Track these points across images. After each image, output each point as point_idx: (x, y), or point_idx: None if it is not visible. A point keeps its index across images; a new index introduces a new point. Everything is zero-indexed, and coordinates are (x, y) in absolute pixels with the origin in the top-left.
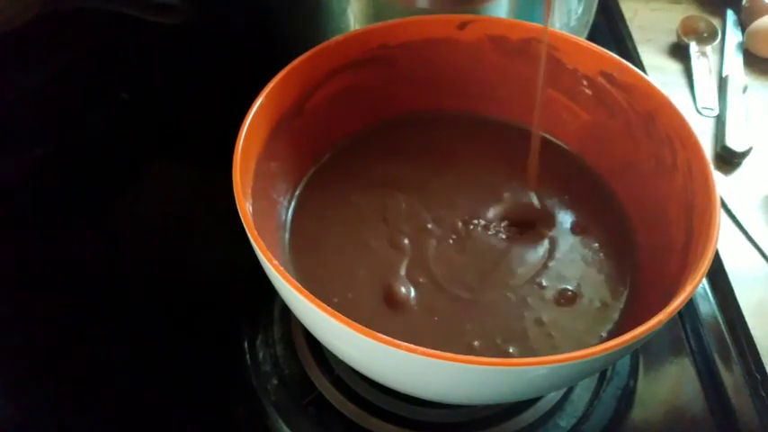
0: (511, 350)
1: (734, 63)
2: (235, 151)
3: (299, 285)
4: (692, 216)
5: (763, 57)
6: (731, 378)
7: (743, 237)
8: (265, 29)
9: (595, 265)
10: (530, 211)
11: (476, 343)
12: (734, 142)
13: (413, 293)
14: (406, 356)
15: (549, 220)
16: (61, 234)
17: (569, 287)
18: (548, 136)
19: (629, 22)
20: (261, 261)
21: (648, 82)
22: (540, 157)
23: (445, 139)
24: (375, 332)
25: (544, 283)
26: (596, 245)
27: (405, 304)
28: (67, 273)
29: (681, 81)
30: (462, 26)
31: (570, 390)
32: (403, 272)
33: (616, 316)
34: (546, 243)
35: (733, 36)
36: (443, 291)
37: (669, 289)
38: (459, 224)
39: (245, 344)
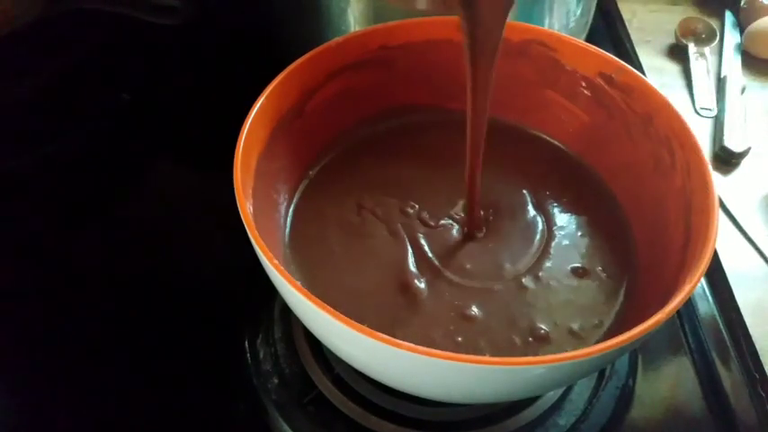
0: (515, 341)
1: (732, 64)
2: (236, 151)
3: (300, 285)
4: (690, 216)
5: (761, 57)
6: (730, 377)
7: (741, 237)
8: (265, 30)
9: (594, 264)
10: (525, 210)
11: (481, 339)
12: (732, 143)
13: (410, 292)
14: (405, 355)
15: (547, 220)
16: (61, 234)
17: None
18: (546, 137)
19: (627, 24)
20: (261, 261)
21: (647, 83)
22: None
23: (445, 139)
24: (375, 331)
25: (542, 283)
26: (595, 245)
27: (407, 301)
28: (68, 272)
29: (679, 82)
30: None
31: (569, 388)
32: (402, 271)
33: (613, 316)
34: (543, 243)
35: (731, 37)
36: (441, 290)
37: (668, 288)
38: (459, 224)
39: (246, 343)
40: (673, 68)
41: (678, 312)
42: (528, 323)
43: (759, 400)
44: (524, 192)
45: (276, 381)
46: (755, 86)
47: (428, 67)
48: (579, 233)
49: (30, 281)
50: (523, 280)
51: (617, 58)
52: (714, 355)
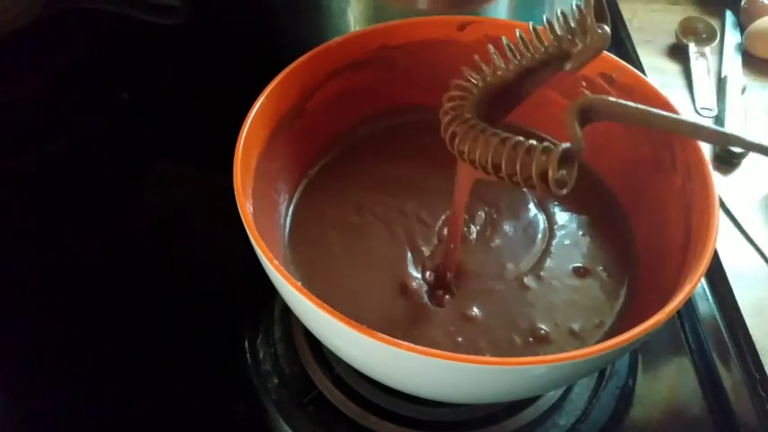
0: (515, 340)
1: (733, 64)
2: (235, 151)
3: (299, 285)
4: (690, 216)
5: (761, 57)
6: (730, 377)
7: (741, 237)
8: (266, 30)
9: (595, 264)
10: (527, 209)
11: (481, 340)
12: None
13: (410, 292)
14: (405, 355)
15: (548, 219)
16: (61, 234)
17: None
18: (547, 136)
19: (628, 24)
20: (261, 261)
21: (647, 83)
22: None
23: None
24: (374, 331)
25: (543, 282)
26: (596, 244)
27: (406, 301)
28: (68, 273)
29: (680, 82)
30: (462, 27)
31: (569, 388)
32: (403, 271)
33: (614, 316)
34: (544, 242)
35: (732, 37)
36: (439, 291)
37: (668, 289)
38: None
39: (246, 343)
40: (673, 68)
41: (678, 312)
42: (528, 323)
43: (759, 400)
44: (525, 190)
45: (276, 381)
46: (756, 86)
47: (428, 67)
48: (580, 232)
49: (30, 281)
50: (525, 279)
51: (617, 58)
52: (714, 355)
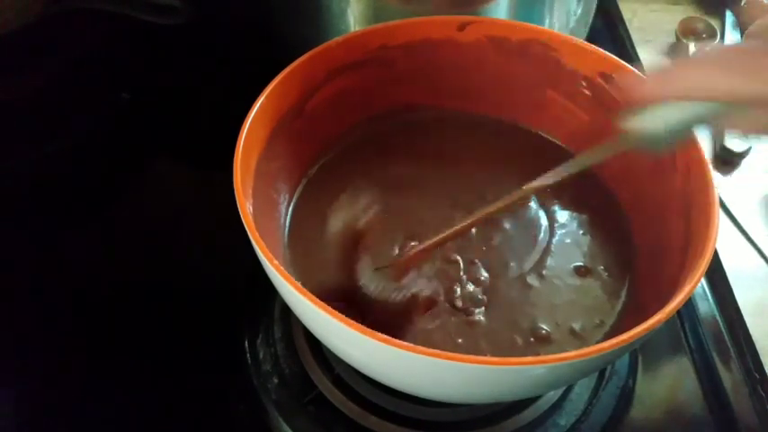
0: (516, 341)
1: None
2: (235, 151)
3: (300, 285)
4: (690, 216)
5: None
6: (730, 377)
7: (742, 237)
8: (265, 30)
9: (596, 263)
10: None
11: (482, 340)
12: (732, 143)
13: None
14: (405, 355)
15: (549, 217)
16: (61, 234)
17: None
18: (547, 136)
19: (627, 23)
20: (261, 261)
21: None
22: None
23: (445, 139)
24: (374, 331)
25: (545, 281)
26: (596, 243)
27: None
28: (67, 272)
29: None
30: (462, 27)
31: (569, 388)
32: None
33: (615, 315)
34: (544, 243)
35: (732, 37)
36: (439, 293)
37: (668, 288)
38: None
39: (246, 343)
40: None
41: (678, 312)
42: (530, 323)
43: (759, 400)
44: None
45: (276, 381)
46: None
47: (428, 67)
48: (581, 231)
49: (30, 281)
50: (528, 278)
51: (618, 58)
52: (714, 355)
